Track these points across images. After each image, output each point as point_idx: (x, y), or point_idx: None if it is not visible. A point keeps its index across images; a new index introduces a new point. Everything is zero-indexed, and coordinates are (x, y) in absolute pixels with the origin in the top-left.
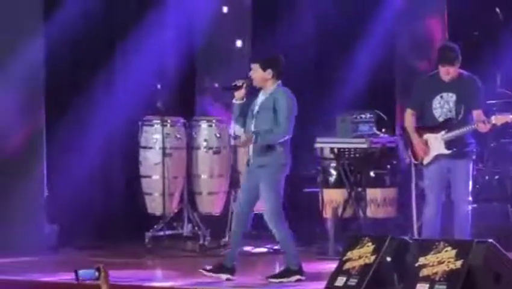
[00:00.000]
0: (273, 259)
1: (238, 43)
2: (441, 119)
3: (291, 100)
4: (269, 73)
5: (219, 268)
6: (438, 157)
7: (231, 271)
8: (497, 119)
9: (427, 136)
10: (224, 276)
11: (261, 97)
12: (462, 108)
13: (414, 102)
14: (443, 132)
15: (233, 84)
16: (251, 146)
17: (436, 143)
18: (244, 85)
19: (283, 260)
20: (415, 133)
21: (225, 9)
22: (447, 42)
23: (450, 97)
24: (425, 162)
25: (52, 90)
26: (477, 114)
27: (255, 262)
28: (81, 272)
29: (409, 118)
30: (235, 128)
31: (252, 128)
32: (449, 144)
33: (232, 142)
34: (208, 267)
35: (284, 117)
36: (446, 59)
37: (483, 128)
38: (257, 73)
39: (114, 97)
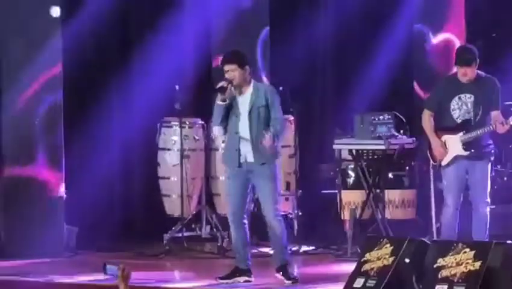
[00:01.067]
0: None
1: (256, 43)
2: (459, 120)
3: (278, 93)
4: (247, 69)
5: (233, 273)
6: (456, 158)
7: (247, 272)
8: None
9: (446, 137)
10: (241, 279)
11: (245, 97)
12: (480, 109)
13: (431, 103)
14: (461, 134)
15: (218, 86)
16: (247, 146)
17: (454, 144)
18: (229, 87)
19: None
20: (433, 135)
21: (243, 9)
22: (465, 43)
23: (468, 98)
24: (443, 163)
25: (70, 92)
26: (495, 115)
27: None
28: (108, 266)
29: (426, 119)
30: (216, 130)
31: (248, 128)
32: (467, 145)
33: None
34: (221, 276)
35: (279, 110)
36: (464, 60)
37: (501, 129)
38: (236, 72)
39: (132, 99)
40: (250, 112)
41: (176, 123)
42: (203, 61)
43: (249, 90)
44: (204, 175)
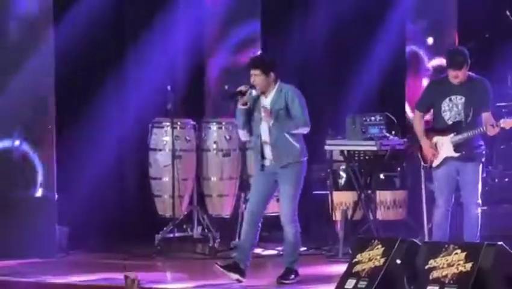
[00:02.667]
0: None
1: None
2: (450, 122)
3: (301, 94)
4: (272, 76)
5: (232, 267)
6: (447, 160)
7: (243, 273)
8: (506, 123)
9: (437, 139)
10: (234, 276)
11: (267, 99)
12: (471, 110)
13: (422, 104)
14: (451, 135)
15: (237, 90)
16: (268, 149)
17: (445, 146)
18: (249, 91)
19: (284, 259)
20: (424, 136)
21: (236, 10)
22: (456, 46)
23: (459, 100)
24: (434, 164)
25: (62, 92)
26: (486, 116)
27: (265, 264)
28: None
29: (417, 121)
30: (240, 134)
31: (267, 129)
32: (457, 146)
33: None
34: (222, 263)
35: (302, 110)
36: (455, 63)
37: (492, 131)
38: (260, 78)
39: (124, 99)
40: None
41: (168, 124)
42: (196, 61)
43: (272, 93)
44: (196, 176)
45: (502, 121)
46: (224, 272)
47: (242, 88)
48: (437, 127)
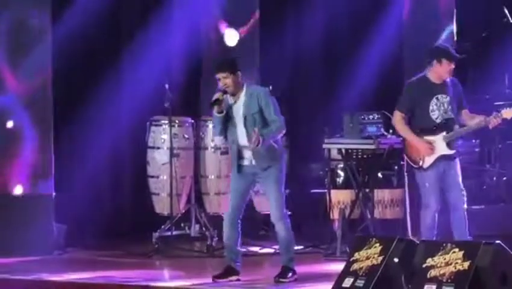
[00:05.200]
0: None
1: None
2: (438, 120)
3: (271, 95)
4: (239, 75)
5: (227, 272)
6: (438, 159)
7: (237, 271)
8: (507, 113)
9: (427, 138)
10: (234, 278)
11: (238, 104)
12: (454, 108)
13: (404, 105)
14: (443, 133)
15: (214, 99)
16: (248, 154)
17: (438, 144)
18: (224, 98)
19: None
20: (415, 135)
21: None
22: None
23: (444, 99)
24: (426, 165)
25: (59, 91)
26: (465, 112)
27: (262, 262)
28: None
29: (401, 122)
30: (217, 140)
31: (245, 134)
32: (449, 144)
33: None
34: (217, 274)
35: (276, 111)
36: (454, 57)
37: (495, 122)
38: (229, 79)
39: (121, 97)
40: (245, 121)
41: (166, 122)
42: (193, 59)
43: (241, 97)
44: (193, 174)
45: (503, 111)
46: (224, 281)
47: (217, 96)
48: (423, 127)
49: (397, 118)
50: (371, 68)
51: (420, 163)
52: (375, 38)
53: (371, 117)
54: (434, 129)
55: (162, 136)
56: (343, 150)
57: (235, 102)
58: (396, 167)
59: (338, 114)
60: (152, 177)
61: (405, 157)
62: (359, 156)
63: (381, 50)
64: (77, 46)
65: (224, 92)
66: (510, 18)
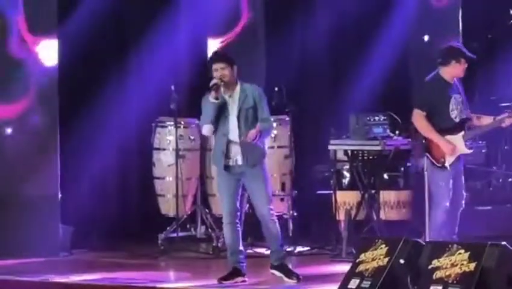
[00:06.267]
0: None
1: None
2: (457, 120)
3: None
4: (235, 69)
5: (233, 274)
6: (457, 158)
7: (242, 273)
8: None
9: (448, 137)
10: (240, 279)
11: (233, 98)
12: (465, 107)
13: (425, 104)
14: (462, 133)
15: (212, 84)
16: (236, 149)
17: (459, 144)
18: (221, 84)
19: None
20: (438, 134)
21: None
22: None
23: (459, 98)
24: (448, 163)
25: (65, 92)
26: (468, 113)
27: (268, 264)
28: None
29: (423, 120)
30: (206, 129)
31: (237, 128)
32: (465, 143)
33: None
34: (223, 277)
35: (267, 111)
36: (467, 56)
37: (509, 121)
38: (227, 70)
39: (127, 98)
40: (238, 114)
41: (171, 123)
42: (199, 61)
43: (236, 92)
44: (199, 175)
45: None
46: (229, 282)
47: (216, 81)
48: (443, 127)
49: (419, 117)
50: (377, 69)
51: (443, 162)
52: (382, 39)
53: (377, 118)
54: (454, 129)
55: (168, 137)
56: (349, 151)
57: (230, 96)
58: (402, 169)
59: (344, 115)
60: (158, 178)
61: (427, 155)
62: (365, 158)
63: (388, 51)
64: (83, 47)
65: (222, 81)
66: None
